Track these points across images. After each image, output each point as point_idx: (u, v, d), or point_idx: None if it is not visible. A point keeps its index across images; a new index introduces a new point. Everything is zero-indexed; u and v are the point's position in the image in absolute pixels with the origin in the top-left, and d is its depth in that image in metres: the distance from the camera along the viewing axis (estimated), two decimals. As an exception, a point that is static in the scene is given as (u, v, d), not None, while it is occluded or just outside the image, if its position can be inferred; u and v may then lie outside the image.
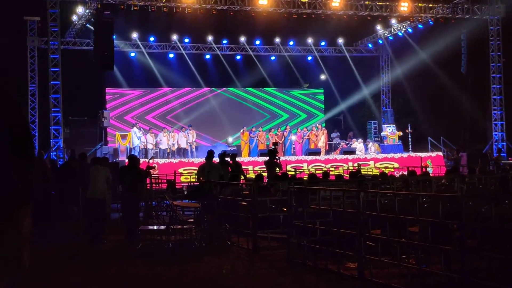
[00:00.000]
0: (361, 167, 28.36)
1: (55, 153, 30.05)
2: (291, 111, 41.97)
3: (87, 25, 33.04)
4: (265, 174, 20.74)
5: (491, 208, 8.51)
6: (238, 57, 40.66)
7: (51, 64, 30.45)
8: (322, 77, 43.69)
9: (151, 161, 22.71)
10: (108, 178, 15.64)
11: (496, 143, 35.38)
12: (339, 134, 37.80)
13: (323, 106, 42.96)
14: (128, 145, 31.91)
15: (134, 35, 37.40)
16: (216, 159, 19.54)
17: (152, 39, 38.31)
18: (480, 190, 14.89)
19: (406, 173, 23.59)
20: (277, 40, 40.22)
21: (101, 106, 35.84)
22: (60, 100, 30.41)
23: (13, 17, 35.03)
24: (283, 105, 41.84)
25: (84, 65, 33.96)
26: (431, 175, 23.82)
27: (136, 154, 29.06)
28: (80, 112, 37.23)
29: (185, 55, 39.13)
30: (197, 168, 19.79)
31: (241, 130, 34.65)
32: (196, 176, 19.35)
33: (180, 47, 38.80)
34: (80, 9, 31.94)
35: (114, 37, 30.10)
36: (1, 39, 33.62)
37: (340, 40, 41.19)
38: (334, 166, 30.29)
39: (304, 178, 20.96)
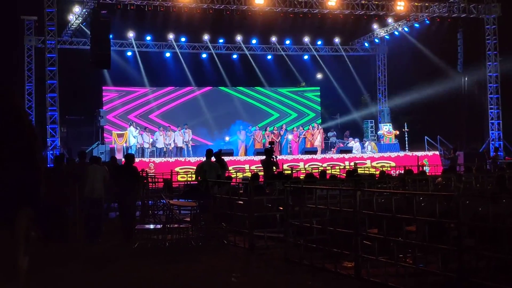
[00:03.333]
0: (358, 166, 28.36)
1: (51, 152, 30.04)
2: (287, 110, 41.97)
3: (84, 24, 33.02)
4: (261, 173, 20.73)
5: (488, 207, 8.50)
6: (235, 56, 40.61)
7: (48, 63, 30.42)
8: (319, 76, 43.69)
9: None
10: (105, 177, 15.58)
11: (493, 142, 35.39)
12: (335, 133, 37.80)
13: (319, 105, 43.00)
14: (124, 144, 31.91)
15: (131, 34, 37.33)
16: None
17: (148, 38, 38.26)
18: (477, 189, 14.89)
19: (403, 172, 23.60)
20: (274, 39, 40.16)
21: (97, 105, 35.83)
22: (56, 99, 30.38)
23: (10, 16, 35.00)
24: (279, 104, 41.85)
25: (80, 64, 33.88)
26: (428, 174, 23.82)
27: (133, 153, 29.06)
28: (76, 111, 37.19)
29: (181, 54, 39.12)
30: (193, 167, 19.79)
31: (238, 130, 34.66)
32: (194, 175, 19.32)
33: (176, 46, 38.76)
34: (77, 9, 31.94)
35: (110, 36, 30.09)
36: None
37: (337, 39, 41.17)
38: (331, 165, 30.28)
39: (301, 177, 20.94)
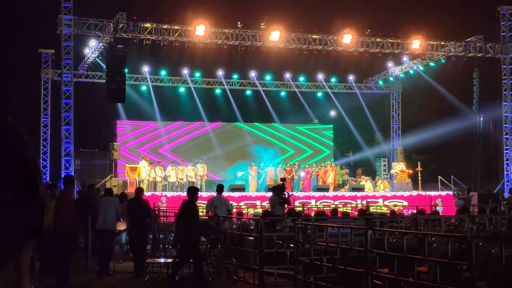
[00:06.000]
0: (370, 204, 28.22)
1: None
2: (300, 147, 41.85)
3: (100, 58, 33.29)
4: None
5: (501, 250, 8.41)
6: (248, 92, 40.78)
7: (63, 96, 30.59)
8: (332, 113, 43.73)
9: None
10: (117, 209, 15.59)
11: (508, 183, 35.07)
12: (348, 171, 37.66)
13: (332, 142, 42.90)
14: (137, 178, 31.90)
15: (146, 68, 37.65)
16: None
17: (163, 72, 38.53)
18: (490, 231, 14.76)
19: (415, 211, 23.46)
20: (287, 75, 40.33)
21: (111, 138, 35.95)
22: (71, 131, 30.49)
23: (28, 50, 35.48)
24: (292, 140, 41.75)
25: (96, 98, 34.18)
26: (440, 214, 23.67)
27: (145, 187, 29.08)
28: (91, 144, 37.35)
29: (195, 89, 39.33)
30: (205, 202, 19.76)
31: (250, 165, 34.59)
32: (204, 210, 19.30)
33: (191, 81, 39.00)
34: (93, 43, 32.23)
35: (126, 70, 30.30)
36: (16, 71, 34.01)
37: (351, 77, 41.29)
38: (343, 203, 30.13)
39: (312, 215, 20.86)
